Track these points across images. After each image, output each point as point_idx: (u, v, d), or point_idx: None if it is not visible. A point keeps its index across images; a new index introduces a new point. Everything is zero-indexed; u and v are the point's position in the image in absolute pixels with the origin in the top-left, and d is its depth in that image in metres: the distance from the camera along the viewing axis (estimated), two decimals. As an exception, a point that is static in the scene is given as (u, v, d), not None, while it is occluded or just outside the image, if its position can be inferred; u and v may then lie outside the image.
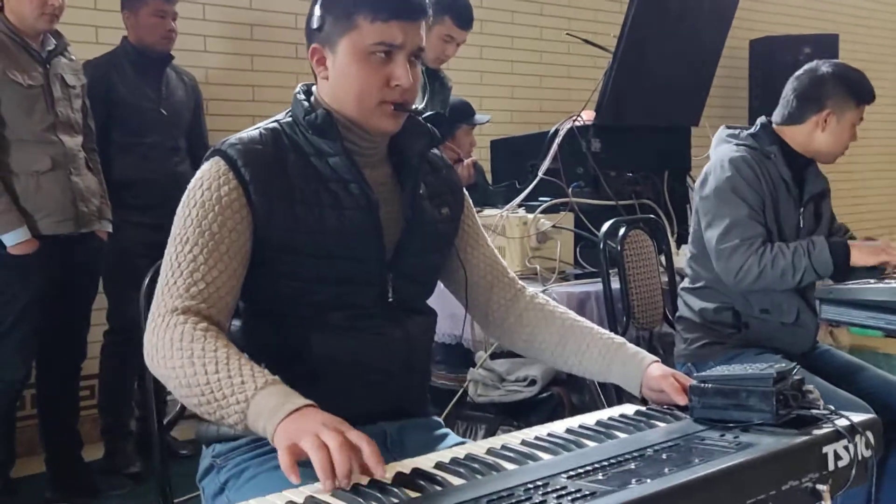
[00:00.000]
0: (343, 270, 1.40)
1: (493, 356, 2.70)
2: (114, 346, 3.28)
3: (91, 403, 3.54)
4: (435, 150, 1.57)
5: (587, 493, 0.98)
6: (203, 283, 1.29)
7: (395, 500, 1.01)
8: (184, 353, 1.21)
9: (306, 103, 1.43)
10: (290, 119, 1.45)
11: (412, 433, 1.48)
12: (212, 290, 1.29)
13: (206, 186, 1.35)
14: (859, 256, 2.15)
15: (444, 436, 1.52)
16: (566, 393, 2.60)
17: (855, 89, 2.26)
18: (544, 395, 2.59)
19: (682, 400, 1.40)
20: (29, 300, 2.78)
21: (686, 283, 2.39)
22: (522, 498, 0.98)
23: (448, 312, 1.86)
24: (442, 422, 1.59)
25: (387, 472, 1.10)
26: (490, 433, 2.68)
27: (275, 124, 1.45)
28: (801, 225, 2.28)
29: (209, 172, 1.36)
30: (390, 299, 1.45)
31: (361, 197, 1.41)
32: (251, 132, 1.42)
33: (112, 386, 3.31)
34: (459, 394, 2.66)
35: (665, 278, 2.73)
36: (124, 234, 3.18)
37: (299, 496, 1.03)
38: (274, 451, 1.32)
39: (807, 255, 2.12)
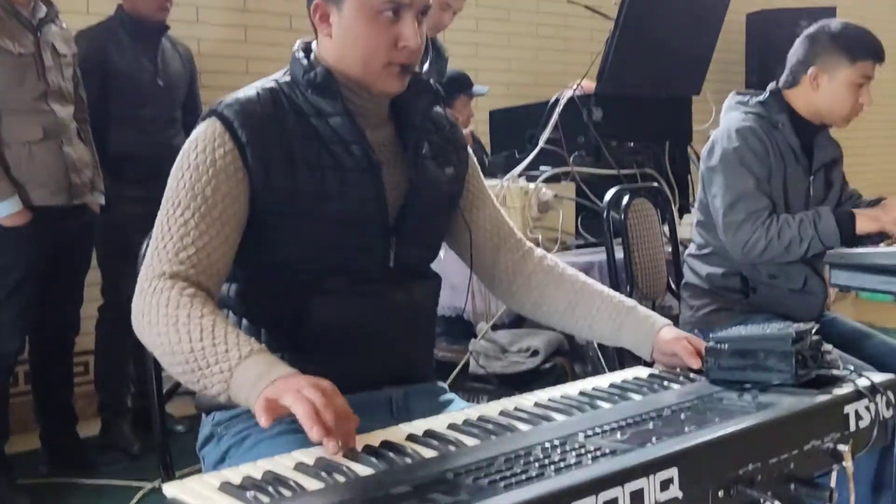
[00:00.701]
0: (344, 235, 1.36)
1: (495, 327, 2.67)
2: (109, 322, 3.24)
3: (86, 380, 3.51)
4: (438, 108, 1.52)
5: (607, 451, 0.96)
6: (193, 248, 1.25)
7: (409, 461, 0.97)
8: (169, 320, 1.17)
9: (305, 61, 1.39)
10: (288, 78, 1.40)
11: (418, 399, 1.44)
12: (202, 256, 1.25)
13: (200, 148, 1.30)
14: (862, 224, 2.13)
15: (450, 401, 1.49)
16: (569, 363, 2.58)
17: (847, 46, 2.18)
18: (547, 365, 2.56)
19: (695, 363, 1.37)
20: (23, 273, 2.73)
21: (693, 249, 2.36)
22: (541, 457, 0.95)
23: (448, 284, 1.83)
24: (447, 387, 1.55)
25: (398, 434, 1.07)
26: (492, 405, 2.65)
27: (273, 83, 1.40)
28: (811, 193, 2.25)
29: (204, 134, 1.32)
30: (391, 264, 1.41)
31: (363, 159, 1.37)
32: (248, 92, 1.38)
33: (108, 362, 3.28)
34: (461, 365, 2.63)
35: (668, 248, 2.70)
36: (120, 209, 3.13)
37: (310, 457, 1.00)
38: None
39: (812, 225, 2.10)
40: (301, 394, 1.03)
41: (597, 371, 2.47)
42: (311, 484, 0.92)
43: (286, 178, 1.32)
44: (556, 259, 1.60)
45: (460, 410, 1.19)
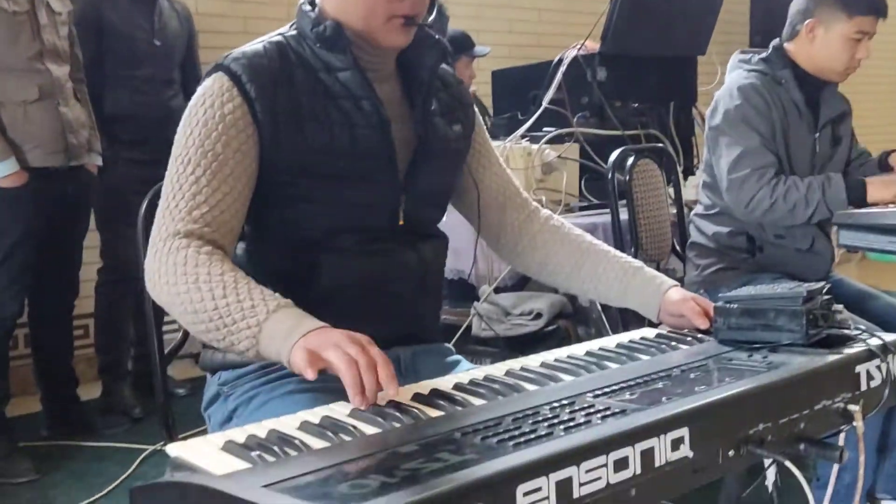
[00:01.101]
0: (354, 193, 1.34)
1: (498, 290, 2.65)
2: (108, 285, 3.24)
3: (86, 343, 3.51)
4: (445, 66, 1.49)
5: (617, 410, 0.94)
6: (206, 206, 1.22)
7: (416, 420, 0.96)
8: (188, 278, 1.15)
9: (313, 14, 1.35)
10: (295, 32, 1.37)
11: (425, 359, 1.43)
12: (215, 214, 1.23)
13: (208, 104, 1.27)
14: (875, 192, 2.10)
15: (457, 362, 1.48)
16: (572, 326, 2.57)
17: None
18: (550, 328, 2.55)
19: (703, 324, 1.35)
20: (20, 234, 2.71)
21: (699, 209, 2.35)
22: (549, 416, 0.93)
23: (451, 247, 1.82)
24: (453, 349, 1.54)
25: (405, 394, 1.06)
26: (495, 368, 2.65)
27: (280, 37, 1.37)
28: (817, 150, 2.22)
29: (211, 88, 1.29)
30: (402, 222, 1.39)
31: (373, 115, 1.34)
32: (255, 46, 1.34)
33: (108, 324, 3.28)
34: (463, 328, 2.62)
35: (673, 210, 2.67)
36: (116, 171, 3.11)
37: (315, 417, 0.98)
38: (285, 376, 1.29)
39: (821, 190, 2.07)
40: (344, 351, 1.03)
41: (600, 334, 2.45)
42: (317, 443, 0.90)
43: (295, 134, 1.29)
44: (562, 219, 1.58)
45: (466, 371, 1.18)
